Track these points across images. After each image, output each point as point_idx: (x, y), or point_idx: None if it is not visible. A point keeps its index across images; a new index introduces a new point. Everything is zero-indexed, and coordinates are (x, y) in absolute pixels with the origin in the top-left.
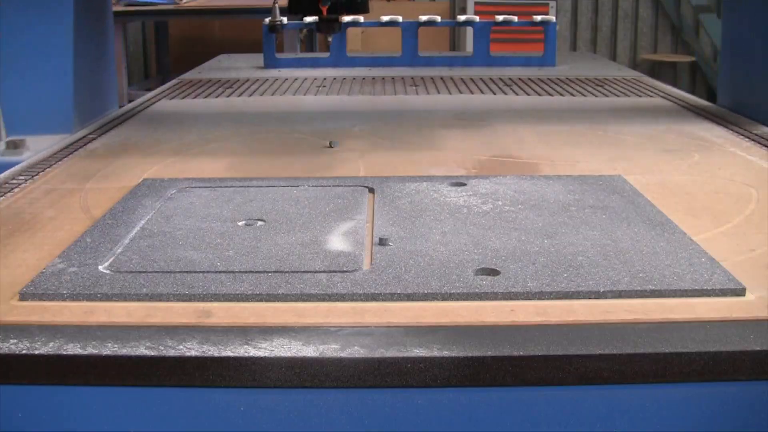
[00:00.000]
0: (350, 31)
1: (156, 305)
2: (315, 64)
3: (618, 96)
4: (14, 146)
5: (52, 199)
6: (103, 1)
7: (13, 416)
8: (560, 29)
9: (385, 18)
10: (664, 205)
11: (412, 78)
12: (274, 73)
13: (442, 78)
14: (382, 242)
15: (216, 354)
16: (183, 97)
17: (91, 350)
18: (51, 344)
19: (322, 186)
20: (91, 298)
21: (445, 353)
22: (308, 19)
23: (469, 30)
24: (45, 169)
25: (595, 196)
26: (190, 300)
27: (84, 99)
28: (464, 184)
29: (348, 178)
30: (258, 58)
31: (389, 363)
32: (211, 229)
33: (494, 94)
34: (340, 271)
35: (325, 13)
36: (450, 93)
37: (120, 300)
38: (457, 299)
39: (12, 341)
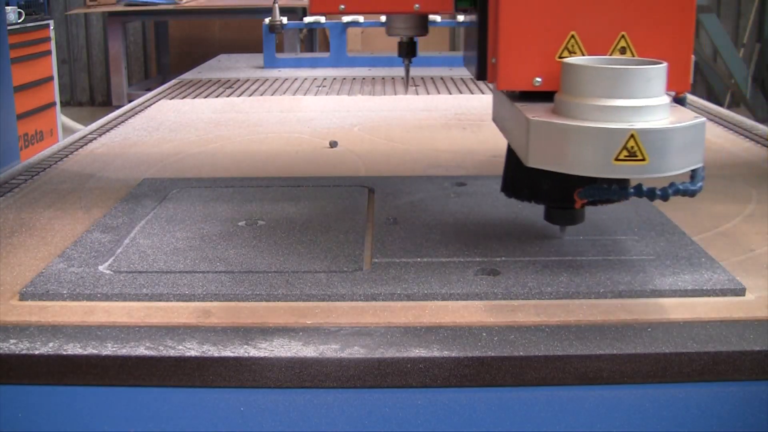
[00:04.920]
0: (350, 31)
1: (156, 305)
2: (315, 64)
3: None
4: None
5: (52, 199)
6: None
7: (13, 416)
8: None
9: (385, 18)
10: (664, 205)
11: (412, 78)
12: (274, 73)
13: (442, 78)
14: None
15: (216, 354)
16: (183, 97)
17: (91, 350)
18: (51, 344)
19: (322, 186)
20: (91, 298)
21: (445, 353)
22: (307, 19)
23: None
24: (45, 169)
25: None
26: (190, 300)
27: None
28: (464, 184)
29: (348, 177)
30: (258, 58)
31: (389, 363)
32: (211, 229)
33: None
34: (340, 271)
35: (578, 205)
36: (450, 93)
37: (120, 300)
38: (457, 299)
39: (12, 341)
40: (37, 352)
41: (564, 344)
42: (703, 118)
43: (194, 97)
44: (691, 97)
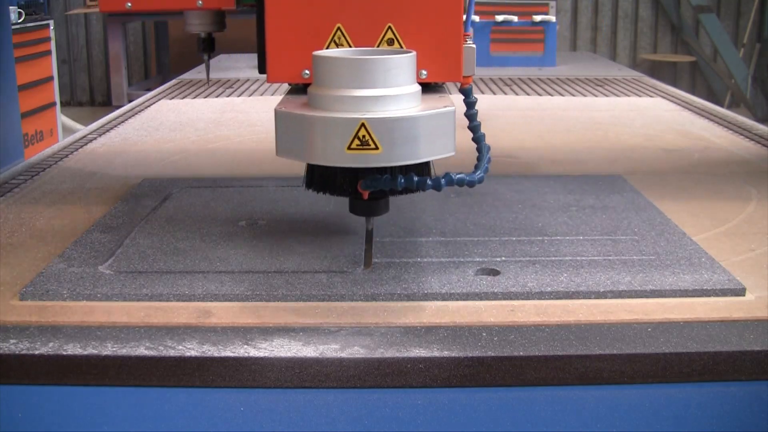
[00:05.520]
0: None
1: (156, 305)
2: None
3: (618, 96)
4: None
5: (52, 199)
6: None
7: (13, 416)
8: (560, 29)
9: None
10: (664, 205)
11: None
12: None
13: None
14: None
15: (216, 354)
16: (183, 97)
17: (91, 350)
18: (51, 344)
19: None
20: (91, 298)
21: (445, 353)
22: None
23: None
24: (45, 169)
25: (595, 196)
26: (190, 300)
27: None
28: None
29: None
30: None
31: (389, 363)
32: (211, 229)
33: (494, 94)
34: (340, 271)
35: (365, 196)
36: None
37: (120, 300)
38: (457, 299)
39: (12, 341)
40: (37, 352)
41: (564, 344)
42: (452, 108)
43: (194, 97)
44: (691, 97)
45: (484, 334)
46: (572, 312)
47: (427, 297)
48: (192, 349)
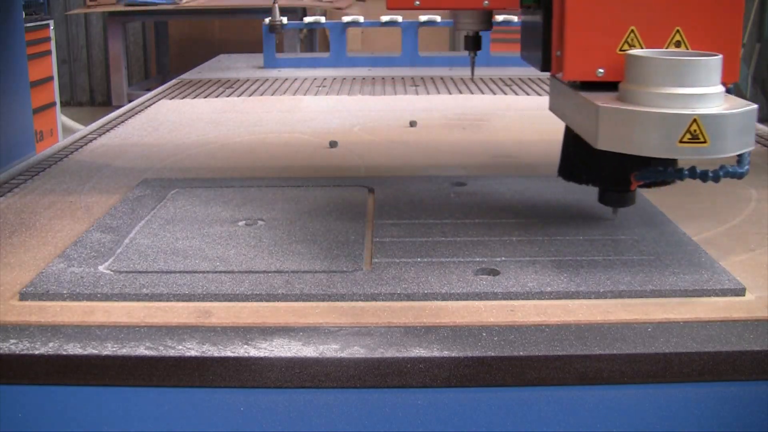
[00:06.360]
0: (350, 31)
1: (156, 305)
2: (315, 64)
3: None
4: None
5: (52, 199)
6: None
7: (13, 416)
8: None
9: (384, 18)
10: (664, 205)
11: (412, 78)
12: (274, 73)
13: (442, 78)
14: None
15: (216, 354)
16: (183, 97)
17: (91, 350)
18: (51, 344)
19: (322, 186)
20: (91, 298)
21: (445, 353)
22: (307, 19)
23: None
24: (45, 168)
25: (595, 196)
26: (190, 300)
27: None
28: (464, 184)
29: (348, 178)
30: (258, 58)
31: (389, 363)
32: (211, 229)
33: (494, 94)
34: (340, 271)
35: (634, 187)
36: (450, 93)
37: (120, 300)
38: (457, 299)
39: (12, 341)
40: (37, 352)
41: (564, 344)
42: (755, 105)
43: (194, 97)
44: None
45: (484, 334)
46: (572, 312)
47: (427, 297)
48: (192, 349)
